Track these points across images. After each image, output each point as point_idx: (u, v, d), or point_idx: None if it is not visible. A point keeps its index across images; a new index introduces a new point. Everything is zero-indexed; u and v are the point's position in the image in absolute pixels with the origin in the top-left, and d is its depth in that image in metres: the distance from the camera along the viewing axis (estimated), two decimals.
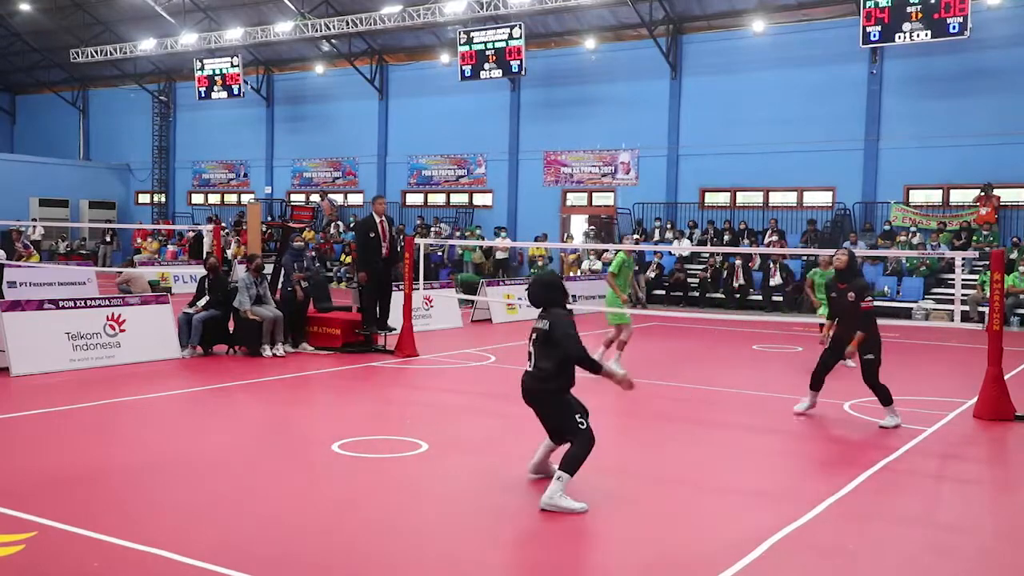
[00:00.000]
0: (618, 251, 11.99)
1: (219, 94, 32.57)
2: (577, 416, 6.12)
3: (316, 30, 29.02)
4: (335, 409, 9.60)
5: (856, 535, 5.59)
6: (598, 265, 24.27)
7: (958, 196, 22.47)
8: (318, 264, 16.63)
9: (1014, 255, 19.53)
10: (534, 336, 6.23)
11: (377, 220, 12.70)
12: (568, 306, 6.32)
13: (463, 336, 15.48)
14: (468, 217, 29.27)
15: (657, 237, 24.80)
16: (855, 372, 11.06)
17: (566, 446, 6.15)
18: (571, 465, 5.97)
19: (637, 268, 22.36)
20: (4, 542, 5.05)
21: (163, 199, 36.99)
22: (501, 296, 18.30)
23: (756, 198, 25.24)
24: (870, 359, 8.59)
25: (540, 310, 6.27)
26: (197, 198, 36.59)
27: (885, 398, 8.64)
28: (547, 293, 6.26)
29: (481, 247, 25.91)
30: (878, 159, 23.21)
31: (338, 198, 31.79)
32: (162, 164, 36.93)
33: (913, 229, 21.86)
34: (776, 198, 24.94)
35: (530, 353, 6.25)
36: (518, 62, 26.18)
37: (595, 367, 6.06)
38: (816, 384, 9.04)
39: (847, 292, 8.65)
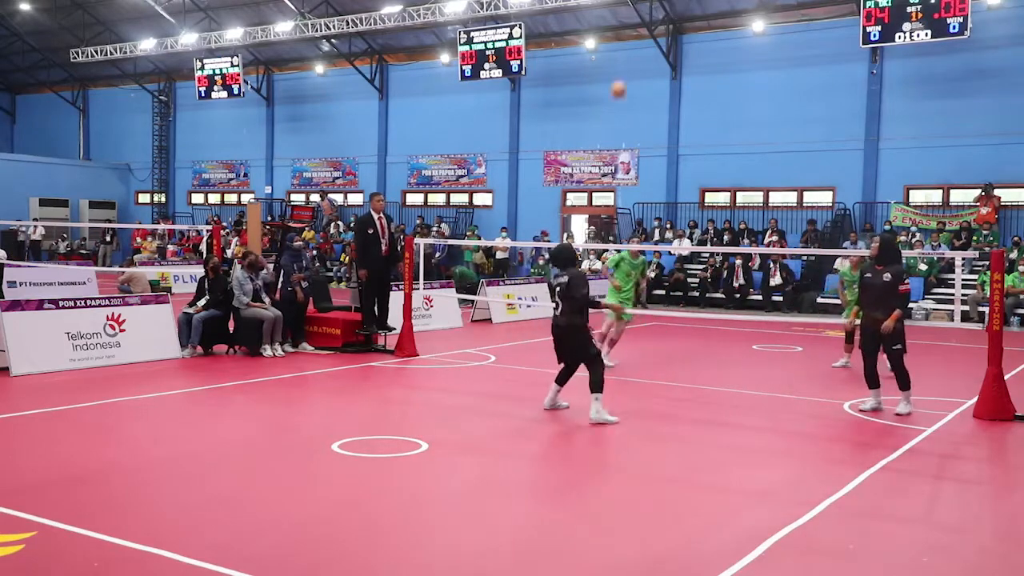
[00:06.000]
0: (619, 251, 12.08)
1: (219, 94, 32.55)
2: (592, 345, 8.56)
3: (316, 30, 29.01)
4: (335, 409, 9.58)
5: (856, 535, 5.59)
6: (598, 265, 24.26)
7: (958, 196, 22.45)
8: (318, 264, 16.62)
9: (1014, 255, 19.52)
10: (558, 288, 8.53)
11: (375, 217, 12.66)
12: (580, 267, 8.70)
13: (463, 336, 15.47)
14: (468, 217, 29.27)
15: (657, 237, 24.79)
16: (853, 370, 11.07)
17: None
18: (598, 385, 8.35)
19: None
20: (4, 542, 5.05)
21: (163, 199, 36.96)
22: (501, 296, 18.26)
23: (756, 198, 25.23)
24: (898, 349, 8.81)
25: (559, 269, 8.73)
26: (197, 198, 36.56)
27: (904, 382, 8.90)
28: (564, 256, 8.77)
29: (482, 247, 25.91)
30: (878, 159, 23.19)
31: (338, 198, 31.78)
32: (162, 164, 36.91)
33: (913, 229, 21.85)
34: (776, 198, 24.93)
35: (557, 302, 8.55)
36: (518, 62, 26.17)
37: (596, 304, 8.81)
38: (873, 382, 9.09)
39: (883, 273, 8.81)
